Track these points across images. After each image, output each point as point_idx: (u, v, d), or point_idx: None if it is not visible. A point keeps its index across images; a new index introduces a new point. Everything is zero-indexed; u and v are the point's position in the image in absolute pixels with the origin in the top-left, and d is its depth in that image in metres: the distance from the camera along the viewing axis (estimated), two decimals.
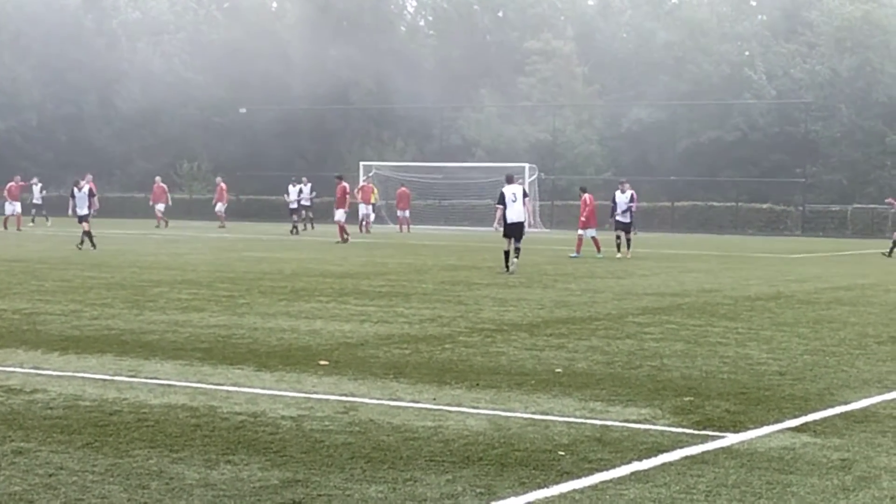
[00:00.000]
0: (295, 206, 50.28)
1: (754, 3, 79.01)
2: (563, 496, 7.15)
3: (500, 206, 26.65)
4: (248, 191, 70.05)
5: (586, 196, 34.23)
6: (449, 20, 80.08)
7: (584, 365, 12.36)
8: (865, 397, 10.80)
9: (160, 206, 53.61)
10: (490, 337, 14.57)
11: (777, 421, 9.55)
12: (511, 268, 26.00)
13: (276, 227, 53.35)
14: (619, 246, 33.31)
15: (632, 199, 33.96)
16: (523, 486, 7.35)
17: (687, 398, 10.50)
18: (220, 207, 54.90)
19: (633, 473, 7.73)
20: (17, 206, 49.27)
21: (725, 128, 68.28)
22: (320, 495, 7.06)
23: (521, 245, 26.76)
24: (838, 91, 66.66)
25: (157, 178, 56.35)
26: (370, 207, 51.63)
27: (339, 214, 40.20)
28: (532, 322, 16.34)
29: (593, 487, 7.37)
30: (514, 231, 26.37)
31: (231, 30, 78.53)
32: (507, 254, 26.31)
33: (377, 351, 13.17)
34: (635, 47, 74.79)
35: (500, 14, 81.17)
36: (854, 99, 66.06)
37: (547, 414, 9.65)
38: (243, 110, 72.29)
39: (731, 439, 8.83)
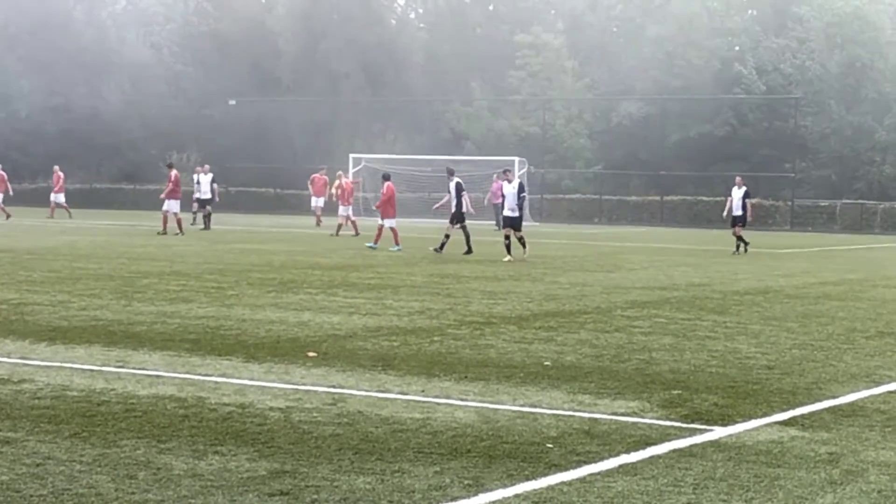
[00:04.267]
0: (209, 196, 45.72)
1: None
2: (551, 488, 7.15)
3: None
4: (237, 182, 69.85)
5: (388, 184, 33.04)
6: (439, 13, 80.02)
7: (572, 358, 12.36)
8: (853, 391, 10.82)
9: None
10: (479, 330, 14.57)
11: (765, 415, 9.57)
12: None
13: (265, 219, 53.24)
14: (508, 247, 28.60)
15: (521, 190, 29.55)
16: (511, 479, 7.35)
17: (675, 391, 10.51)
18: (54, 197, 52.06)
19: (621, 466, 7.74)
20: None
21: (715, 123, 68.30)
22: (308, 486, 7.06)
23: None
24: (828, 87, 66.72)
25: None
26: (322, 200, 49.26)
27: (172, 205, 37.64)
28: (521, 315, 16.35)
29: (581, 480, 7.37)
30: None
31: (221, 21, 78.36)
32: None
33: (366, 343, 13.16)
34: (625, 42, 74.80)
35: (491, 7, 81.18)
36: (844, 95, 66.13)
37: (535, 406, 9.65)
38: (233, 102, 72.12)
39: (719, 433, 8.85)
